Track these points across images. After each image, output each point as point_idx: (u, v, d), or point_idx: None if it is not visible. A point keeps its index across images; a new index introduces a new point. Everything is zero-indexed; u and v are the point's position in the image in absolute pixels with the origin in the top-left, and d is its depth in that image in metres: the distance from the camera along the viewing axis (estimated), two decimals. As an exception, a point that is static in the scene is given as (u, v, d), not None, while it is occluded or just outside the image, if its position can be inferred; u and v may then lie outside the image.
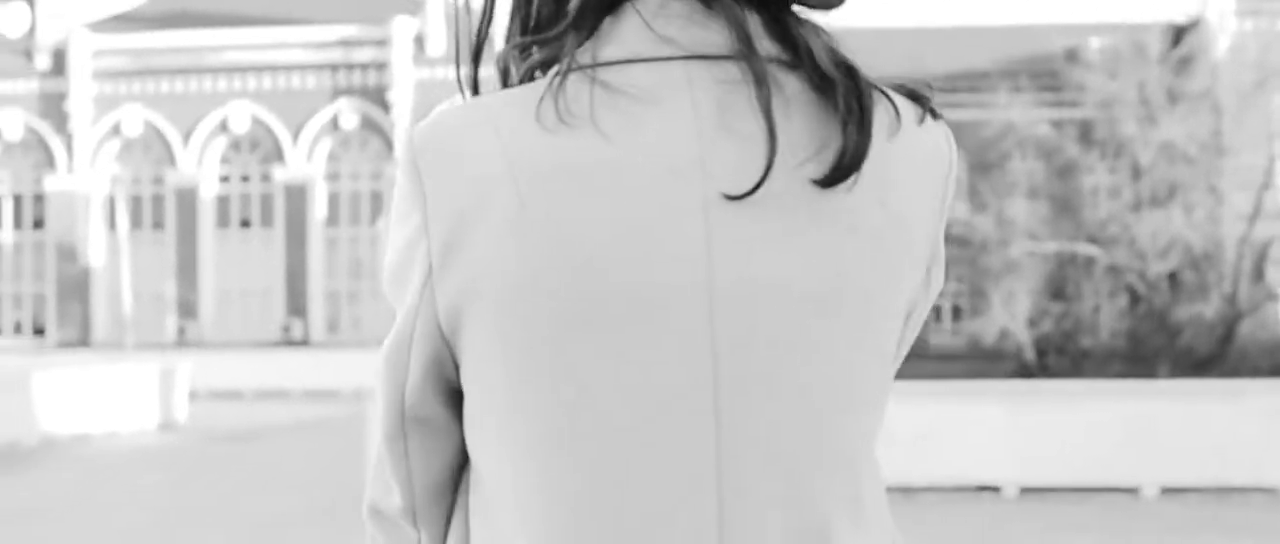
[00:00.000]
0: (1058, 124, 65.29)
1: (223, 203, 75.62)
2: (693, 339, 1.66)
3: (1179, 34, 62.86)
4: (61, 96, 75.42)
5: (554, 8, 1.79)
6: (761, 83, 1.70)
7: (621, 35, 1.74)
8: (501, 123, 1.70)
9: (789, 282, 1.69)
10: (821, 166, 1.71)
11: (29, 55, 76.27)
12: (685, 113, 1.70)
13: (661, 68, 1.71)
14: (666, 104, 1.70)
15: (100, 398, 30.26)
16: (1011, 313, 59.20)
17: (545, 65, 1.79)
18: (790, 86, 1.75)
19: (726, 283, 1.67)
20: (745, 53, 1.72)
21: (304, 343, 71.64)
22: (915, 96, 1.89)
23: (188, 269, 74.59)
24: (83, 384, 29.99)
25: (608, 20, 1.76)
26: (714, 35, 1.73)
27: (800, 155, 1.71)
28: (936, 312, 76.38)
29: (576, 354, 1.66)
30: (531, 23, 1.81)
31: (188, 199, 74.76)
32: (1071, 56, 66.57)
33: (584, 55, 1.74)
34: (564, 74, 1.71)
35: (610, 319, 1.65)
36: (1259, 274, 62.02)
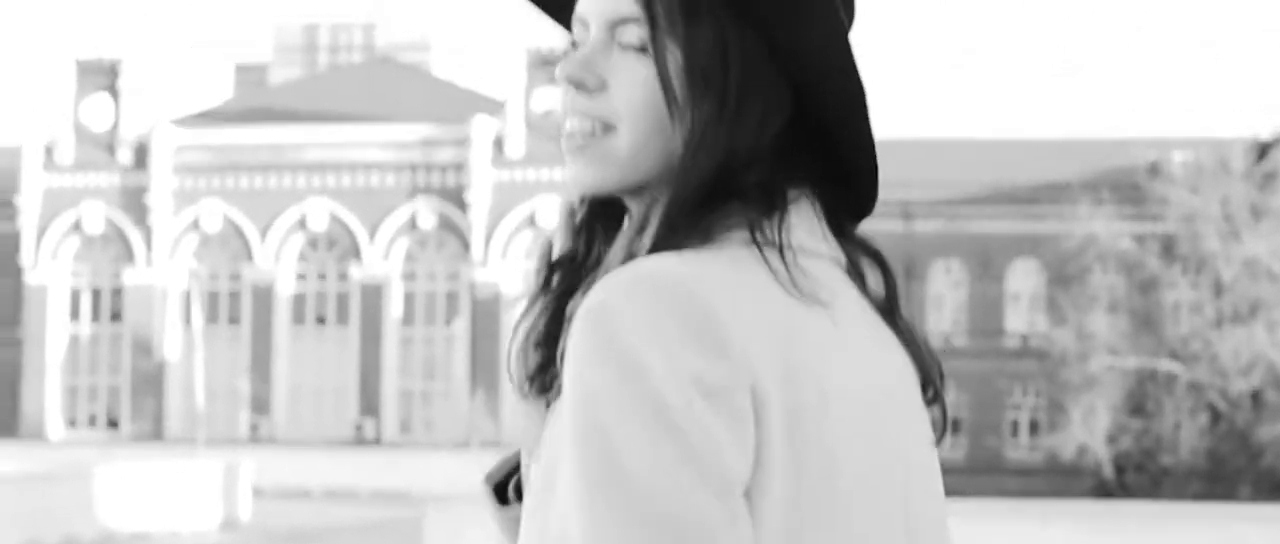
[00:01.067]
0: (1139, 238, 64.67)
1: (299, 299, 75.72)
2: (897, 508, 1.78)
3: (1263, 150, 62.27)
4: (142, 190, 75.86)
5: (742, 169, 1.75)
6: (893, 302, 1.84)
7: (810, 224, 1.76)
8: (759, 291, 1.68)
9: (925, 437, 1.90)
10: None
11: (112, 149, 76.82)
12: (854, 308, 1.77)
13: (827, 266, 1.77)
14: (841, 297, 1.75)
15: (162, 494, 29.97)
16: (1090, 429, 58.49)
17: (696, 222, 1.73)
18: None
19: (910, 458, 1.82)
20: (855, 265, 1.82)
21: (376, 442, 71.43)
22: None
23: (262, 365, 74.64)
24: (145, 480, 29.73)
25: (791, 201, 1.76)
26: (834, 245, 1.80)
27: None
28: (1013, 426, 75.53)
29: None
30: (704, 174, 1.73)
31: (264, 295, 74.90)
32: (1154, 170, 66.09)
33: (783, 232, 1.73)
34: (787, 249, 1.71)
35: (851, 497, 1.71)
36: (1345, 394, 61.09)
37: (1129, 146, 70.27)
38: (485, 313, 72.91)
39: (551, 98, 73.58)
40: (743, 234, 1.71)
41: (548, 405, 1.74)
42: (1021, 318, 76.91)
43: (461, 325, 73.99)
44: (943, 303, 78.25)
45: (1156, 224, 65.34)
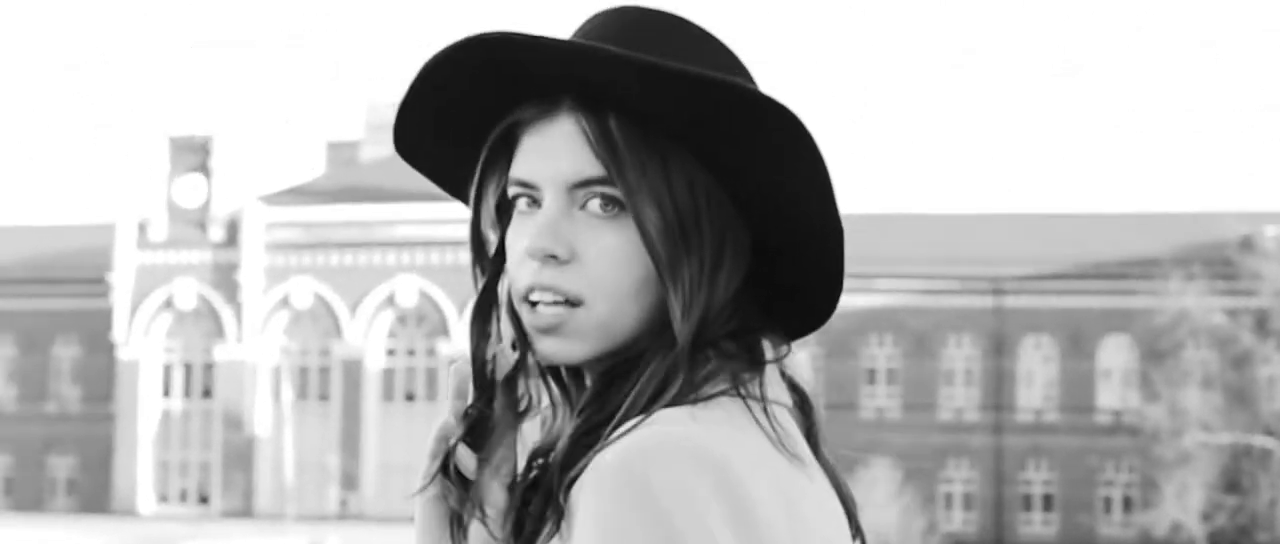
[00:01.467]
0: (1232, 312, 64.10)
1: (388, 376, 76.00)
2: None
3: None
4: (233, 267, 76.46)
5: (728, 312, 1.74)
6: (817, 439, 1.82)
7: (773, 372, 1.74)
8: (764, 456, 1.67)
9: None
10: None
11: (204, 226, 77.51)
12: (809, 455, 1.76)
13: (788, 414, 1.76)
14: (801, 446, 1.75)
15: (253, 570, 30.01)
16: (1184, 506, 57.84)
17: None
18: None
19: None
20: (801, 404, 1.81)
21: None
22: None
23: (351, 441, 74.89)
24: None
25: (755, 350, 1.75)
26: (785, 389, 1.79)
27: None
28: (1106, 502, 74.83)
29: None
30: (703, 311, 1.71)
31: (353, 371, 75.23)
32: (1246, 245, 65.57)
33: (763, 387, 1.72)
34: (769, 404, 1.71)
35: None
36: None
37: (1220, 220, 69.74)
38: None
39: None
40: (726, 388, 1.68)
41: None
42: (1114, 394, 76.24)
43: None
44: (1033, 379, 77.70)
45: (1249, 298, 64.76)
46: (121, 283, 77.30)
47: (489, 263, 1.77)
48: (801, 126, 1.69)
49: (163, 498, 77.27)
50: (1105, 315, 76.11)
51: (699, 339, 1.68)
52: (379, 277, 75.50)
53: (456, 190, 1.88)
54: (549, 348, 1.70)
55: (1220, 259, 67.77)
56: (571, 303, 1.67)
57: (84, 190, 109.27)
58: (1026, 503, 76.66)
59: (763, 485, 1.61)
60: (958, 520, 76.56)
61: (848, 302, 79.21)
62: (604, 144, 1.67)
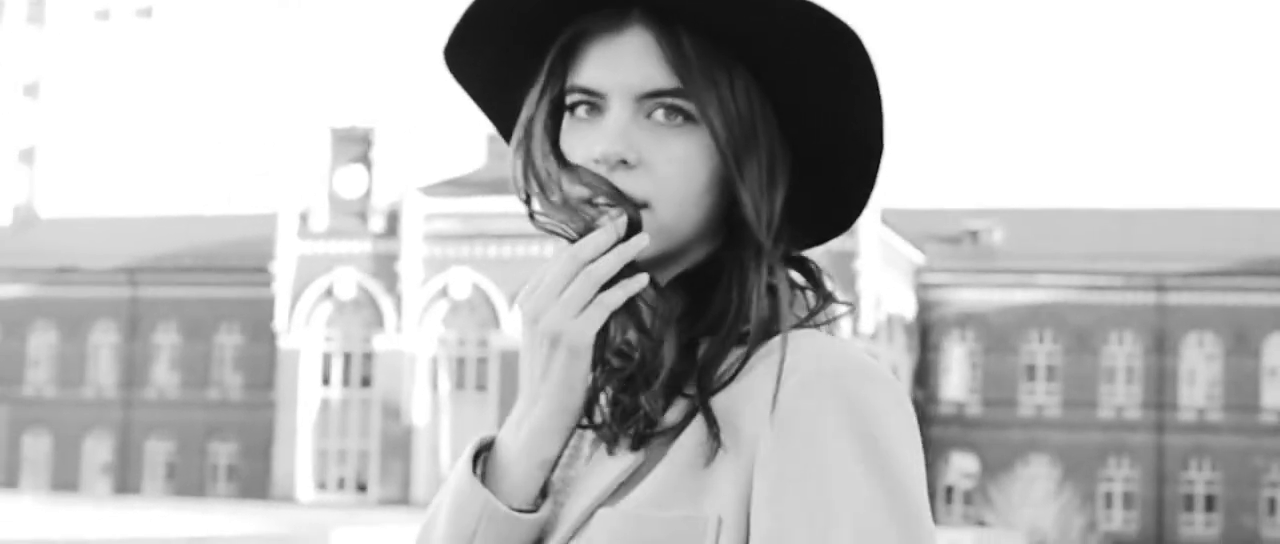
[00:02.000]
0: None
1: (545, 367, 76.03)
2: None
3: None
4: (393, 258, 77.02)
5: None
6: None
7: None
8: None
9: None
10: None
11: (364, 217, 78.14)
12: None
13: None
14: None
15: (406, 559, 30.15)
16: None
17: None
18: None
19: None
20: None
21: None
22: None
23: (507, 432, 75.03)
24: (386, 544, 29.93)
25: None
26: None
27: None
28: (1270, 503, 73.64)
29: None
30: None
31: (511, 362, 75.47)
32: None
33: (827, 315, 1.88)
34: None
35: None
36: None
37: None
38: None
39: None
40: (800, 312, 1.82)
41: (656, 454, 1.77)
42: (1279, 393, 75.05)
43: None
44: (1196, 377, 76.64)
45: None
46: (283, 272, 78.13)
47: (548, 154, 1.80)
48: (864, 50, 1.76)
49: (321, 485, 78.02)
50: (1271, 313, 74.92)
51: (766, 239, 1.78)
52: (536, 267, 75.53)
53: (494, 106, 1.94)
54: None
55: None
56: (638, 207, 1.75)
57: (248, 181, 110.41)
58: (1188, 503, 75.63)
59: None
60: (1118, 519, 75.71)
61: (1008, 297, 78.88)
62: (676, 57, 1.74)
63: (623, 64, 1.76)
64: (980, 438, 77.16)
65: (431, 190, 78.39)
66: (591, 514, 1.76)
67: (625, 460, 1.76)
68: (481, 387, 76.72)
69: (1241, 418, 74.88)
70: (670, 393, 1.76)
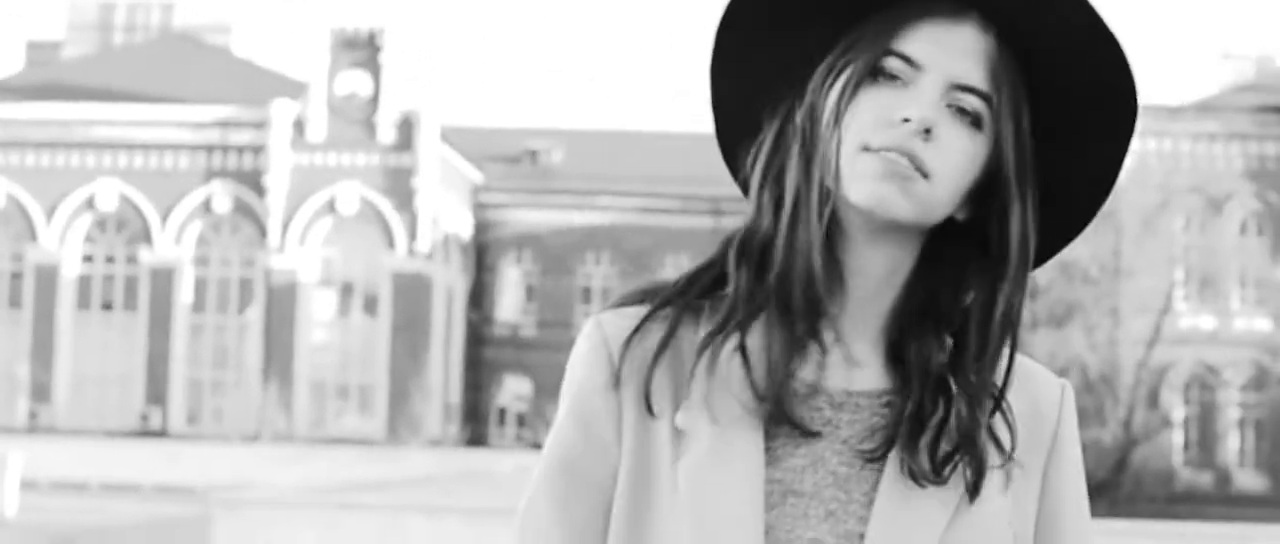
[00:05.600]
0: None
1: (84, 283, 72.65)
2: None
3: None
4: (-82, 165, 72.50)
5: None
6: None
7: None
8: None
9: None
10: None
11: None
12: None
13: None
14: None
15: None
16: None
17: None
18: None
19: None
20: None
21: (162, 433, 68.74)
22: None
23: (43, 351, 71.50)
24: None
25: None
26: None
27: None
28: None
29: None
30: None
31: (47, 277, 71.76)
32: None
33: None
34: None
35: None
36: (1155, 400, 60.68)
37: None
38: (280, 301, 70.54)
39: (354, 81, 71.48)
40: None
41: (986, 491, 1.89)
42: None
43: (255, 313, 71.59)
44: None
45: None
46: None
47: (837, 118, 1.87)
48: (1135, 118, 1.92)
49: None
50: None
51: (1022, 257, 1.91)
52: (78, 179, 71.99)
53: (734, 92, 2.02)
54: (885, 192, 1.84)
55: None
56: (923, 173, 1.84)
57: None
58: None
59: None
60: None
61: (566, 219, 78.36)
62: (999, 67, 1.86)
63: (953, 50, 1.85)
64: (535, 360, 76.57)
65: (-35, 95, 74.02)
66: None
67: (950, 503, 1.85)
68: (16, 304, 72.85)
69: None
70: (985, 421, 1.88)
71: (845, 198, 1.84)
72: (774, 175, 1.90)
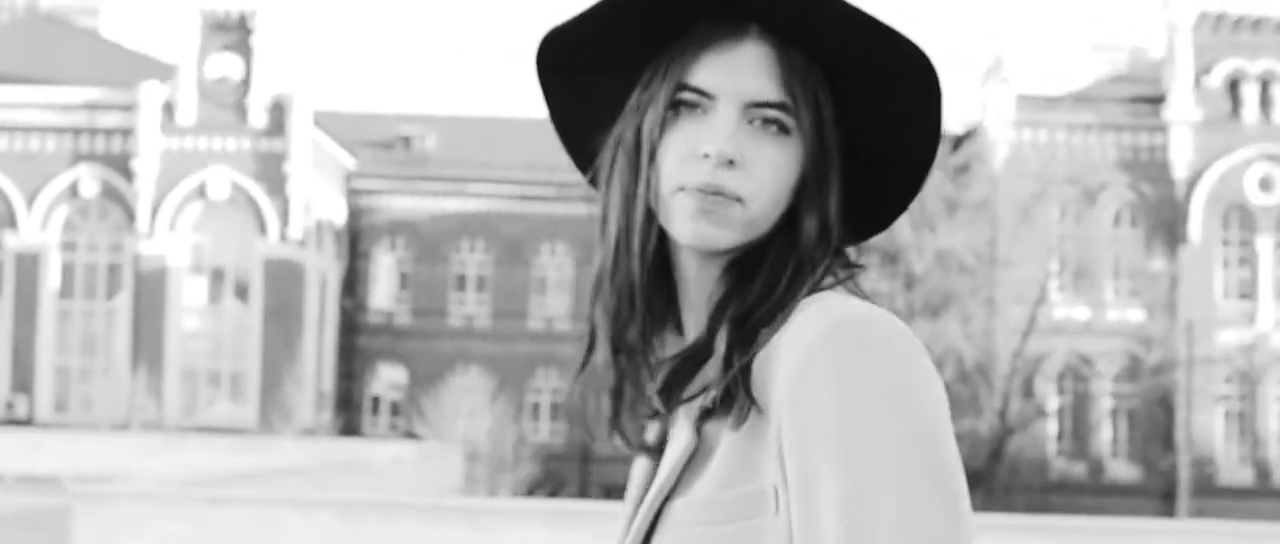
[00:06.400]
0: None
1: (-54, 268, 71.17)
2: None
3: (957, 142, 61.68)
4: None
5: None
6: None
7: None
8: None
9: None
10: None
11: None
12: None
13: None
14: None
15: None
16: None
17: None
18: None
19: None
20: None
21: (28, 422, 67.49)
22: None
23: (-97, 337, 70.02)
24: None
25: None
26: None
27: None
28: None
29: None
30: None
31: (-76, 262, 70.28)
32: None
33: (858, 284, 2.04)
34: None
35: None
36: (1029, 390, 60.90)
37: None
38: (149, 287, 69.40)
39: (225, 64, 70.44)
40: (844, 285, 1.96)
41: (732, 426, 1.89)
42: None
43: (124, 300, 70.42)
44: (626, 289, 77.01)
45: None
46: None
47: (645, 156, 1.97)
48: (938, 84, 1.96)
49: None
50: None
51: (822, 239, 1.96)
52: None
53: (567, 112, 2.09)
54: (703, 229, 1.91)
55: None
56: (737, 199, 1.91)
57: None
58: (616, 414, 75.96)
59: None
60: (545, 431, 75.59)
61: (440, 205, 77.68)
62: (788, 74, 1.93)
63: (739, 72, 1.93)
64: (409, 348, 75.91)
65: None
66: (661, 507, 1.92)
67: (682, 441, 1.91)
68: (-123, 289, 71.15)
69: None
70: (725, 371, 1.88)
71: (670, 232, 1.92)
72: (603, 209, 1.97)
